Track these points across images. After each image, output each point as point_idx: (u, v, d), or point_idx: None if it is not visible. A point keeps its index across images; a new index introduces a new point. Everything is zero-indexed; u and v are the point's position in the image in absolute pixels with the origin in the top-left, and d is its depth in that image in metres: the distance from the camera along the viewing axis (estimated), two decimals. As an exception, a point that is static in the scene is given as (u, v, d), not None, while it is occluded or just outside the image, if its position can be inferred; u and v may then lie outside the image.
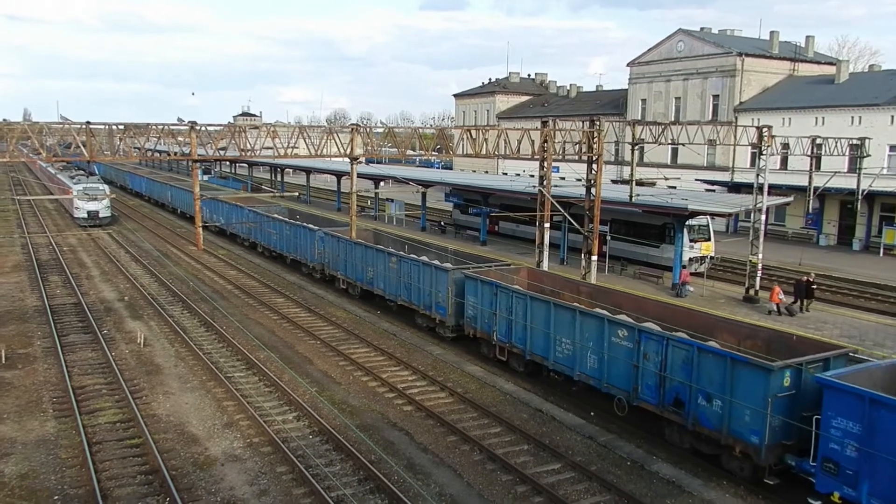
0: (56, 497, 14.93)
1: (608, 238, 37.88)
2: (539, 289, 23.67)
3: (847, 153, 45.34)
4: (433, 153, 45.83)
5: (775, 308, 29.62)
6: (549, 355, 20.74)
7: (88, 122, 26.66)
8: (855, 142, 45.46)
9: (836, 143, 42.84)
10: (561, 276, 25.98)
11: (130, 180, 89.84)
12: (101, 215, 56.65)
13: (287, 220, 41.28)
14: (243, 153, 32.49)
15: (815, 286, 30.93)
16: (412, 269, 27.64)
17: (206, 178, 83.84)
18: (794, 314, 29.57)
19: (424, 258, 28.81)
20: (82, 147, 26.71)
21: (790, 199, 42.37)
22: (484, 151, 31.05)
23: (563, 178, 46.57)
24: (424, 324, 27.46)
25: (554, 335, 20.35)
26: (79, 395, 20.26)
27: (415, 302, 27.66)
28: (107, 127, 29.03)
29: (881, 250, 45.18)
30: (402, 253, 29.89)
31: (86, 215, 56.16)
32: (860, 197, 44.49)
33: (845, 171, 47.35)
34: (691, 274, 36.17)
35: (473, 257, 29.90)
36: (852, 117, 49.94)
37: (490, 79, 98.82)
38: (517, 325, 22.00)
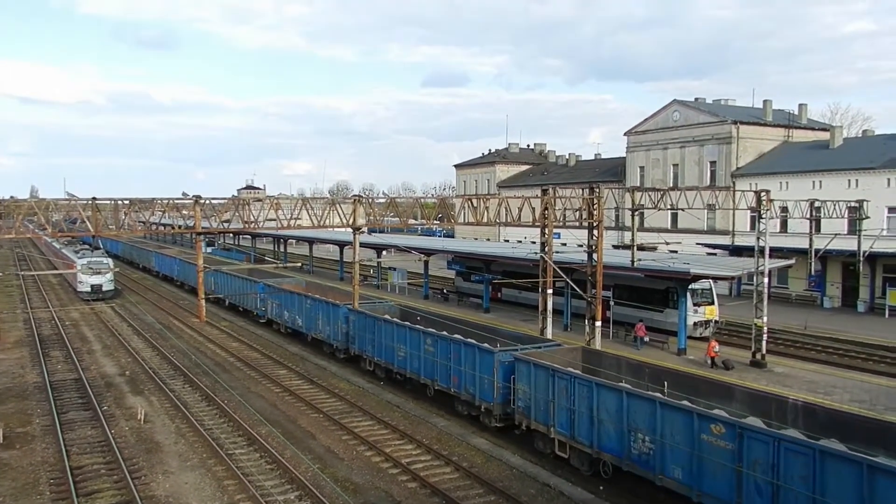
0: (49, 585, 14.41)
1: (611, 303, 37.78)
2: None
3: (846, 215, 45.69)
4: (435, 222, 46.28)
5: (710, 361, 31.12)
6: None
7: (94, 199, 27.06)
8: (853, 204, 45.89)
9: (835, 205, 43.24)
10: None
11: (157, 261, 75.95)
12: (104, 289, 56.80)
13: (432, 331, 27.01)
14: (247, 225, 32.75)
15: None
16: (783, 457, 13.81)
17: (209, 249, 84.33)
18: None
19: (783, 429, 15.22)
20: (87, 221, 27.01)
21: (792, 261, 42.44)
22: (485, 219, 31.34)
23: (564, 244, 46.80)
24: None
25: None
26: (76, 476, 19.82)
27: None
28: (112, 202, 29.46)
29: (886, 311, 44.92)
30: (739, 420, 15.27)
31: (89, 289, 56.32)
32: (862, 258, 44.59)
33: (845, 232, 47.56)
34: (696, 338, 35.96)
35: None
36: (849, 180, 50.50)
37: (490, 149, 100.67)
38: None
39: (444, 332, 26.44)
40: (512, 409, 22.02)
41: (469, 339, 25.01)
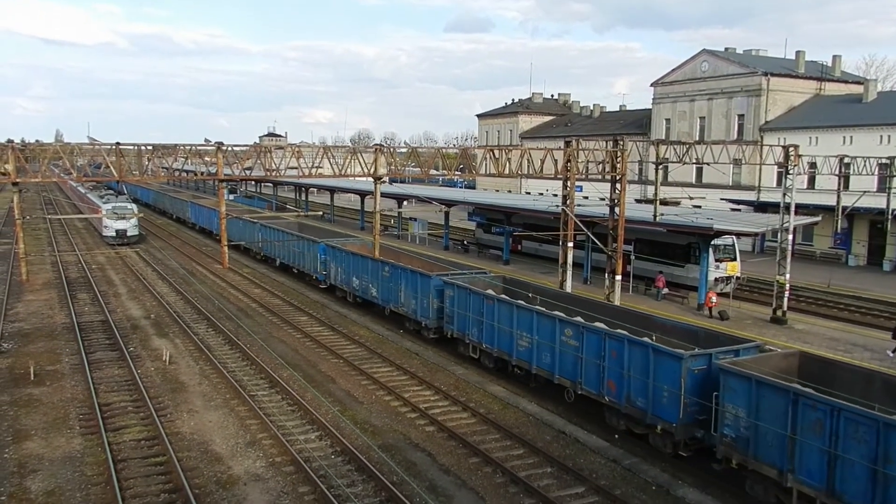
0: (81, 514, 15.03)
1: (632, 257, 37.59)
2: None
3: (876, 172, 44.66)
4: (456, 173, 45.91)
5: (708, 311, 32.25)
6: None
7: (118, 143, 27.19)
8: (884, 161, 44.81)
9: (865, 162, 42.23)
10: None
11: (193, 212, 68.48)
12: (129, 234, 57.59)
13: (567, 317, 21.10)
14: (269, 173, 32.81)
15: None
16: None
17: (231, 197, 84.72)
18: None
19: None
20: (111, 167, 27.22)
21: (818, 218, 41.76)
22: (507, 171, 31.07)
23: (586, 198, 46.41)
24: None
25: None
26: (105, 413, 20.46)
27: None
28: (136, 147, 29.62)
29: (913, 271, 44.29)
30: None
31: (114, 234, 57.16)
32: (890, 216, 43.75)
33: (874, 190, 46.57)
34: (717, 294, 35.75)
35: None
36: (881, 136, 49.20)
37: (513, 99, 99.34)
38: None
39: (579, 319, 20.85)
40: (707, 435, 16.38)
41: (621, 332, 19.05)
